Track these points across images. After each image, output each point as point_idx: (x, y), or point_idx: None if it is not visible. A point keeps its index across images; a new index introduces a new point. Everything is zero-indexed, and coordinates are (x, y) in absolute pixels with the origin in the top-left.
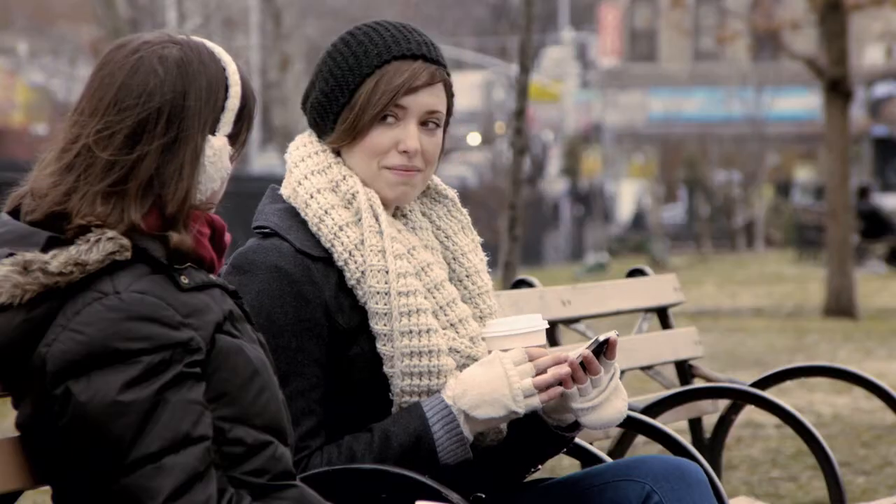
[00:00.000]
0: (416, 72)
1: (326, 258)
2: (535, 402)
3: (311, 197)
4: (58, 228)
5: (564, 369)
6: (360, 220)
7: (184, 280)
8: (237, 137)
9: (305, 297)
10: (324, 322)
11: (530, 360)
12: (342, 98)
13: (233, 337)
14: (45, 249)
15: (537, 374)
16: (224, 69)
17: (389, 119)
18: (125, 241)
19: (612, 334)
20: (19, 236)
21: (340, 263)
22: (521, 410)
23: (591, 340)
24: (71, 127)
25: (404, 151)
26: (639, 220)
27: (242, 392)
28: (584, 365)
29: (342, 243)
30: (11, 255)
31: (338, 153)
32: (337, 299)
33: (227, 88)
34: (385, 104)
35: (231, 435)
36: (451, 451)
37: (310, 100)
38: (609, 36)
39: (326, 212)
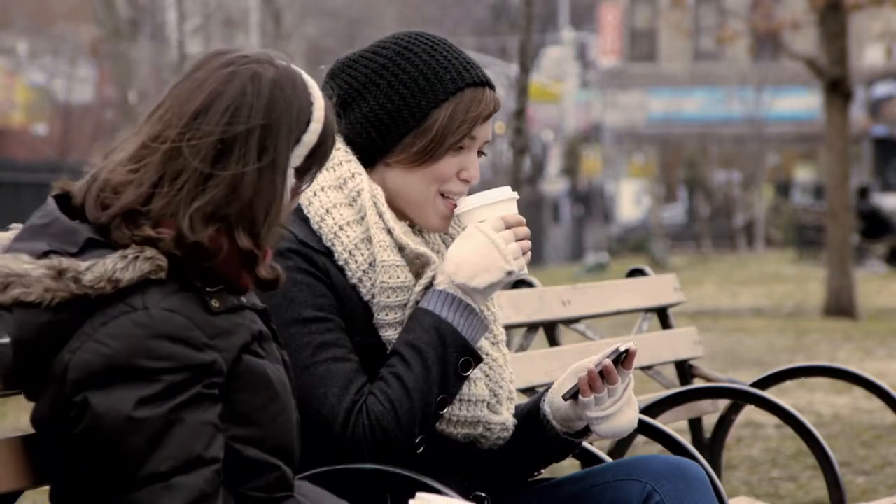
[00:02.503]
0: (487, 102)
1: (327, 253)
2: (523, 263)
3: (314, 195)
4: (129, 224)
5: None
6: (363, 217)
7: (215, 304)
8: (306, 172)
9: (314, 275)
10: (334, 300)
11: (507, 228)
12: (412, 121)
13: (259, 357)
14: (81, 251)
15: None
16: (312, 103)
17: (459, 147)
18: (162, 262)
19: (631, 345)
20: (60, 231)
21: (341, 262)
22: (517, 270)
23: (612, 350)
24: (153, 125)
25: (465, 180)
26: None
27: (261, 414)
28: (603, 374)
29: (342, 243)
30: (48, 251)
31: (370, 163)
32: (343, 288)
33: (308, 123)
34: (465, 134)
35: (243, 455)
36: (468, 324)
37: (357, 112)
38: (609, 36)
39: (328, 210)
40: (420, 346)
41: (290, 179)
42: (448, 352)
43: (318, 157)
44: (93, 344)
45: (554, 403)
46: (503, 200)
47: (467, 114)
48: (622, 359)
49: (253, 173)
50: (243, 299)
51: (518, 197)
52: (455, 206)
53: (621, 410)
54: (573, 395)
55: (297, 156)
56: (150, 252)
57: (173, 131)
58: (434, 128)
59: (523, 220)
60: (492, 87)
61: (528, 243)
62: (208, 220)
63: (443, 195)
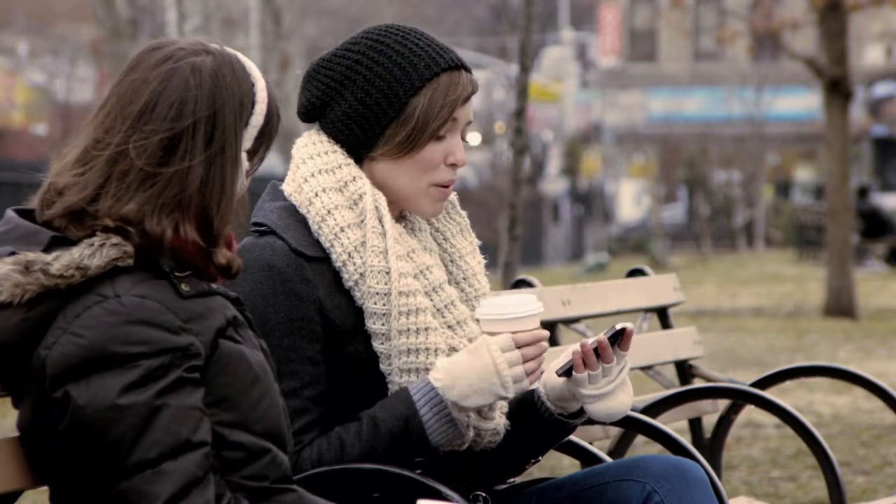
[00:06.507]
0: (465, 84)
1: (322, 258)
2: (525, 385)
3: (316, 195)
4: (76, 225)
5: (545, 347)
6: (363, 221)
7: (184, 287)
8: (255, 153)
9: (299, 295)
10: (318, 320)
11: (518, 347)
12: (391, 112)
13: (235, 342)
14: (47, 249)
15: (525, 361)
16: (253, 84)
17: (442, 132)
18: (129, 248)
19: (628, 325)
20: (23, 234)
21: (339, 264)
22: (511, 395)
23: (609, 329)
24: (96, 128)
25: (453, 164)
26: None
27: (243, 397)
28: (598, 352)
29: (342, 244)
30: (13, 253)
31: (357, 159)
32: (332, 298)
33: (253, 105)
34: (446, 118)
35: (231, 440)
36: (441, 431)
37: (337, 110)
38: (609, 36)
39: (329, 212)
40: (381, 428)
41: (244, 164)
42: (407, 448)
43: (266, 137)
44: (67, 336)
45: (548, 383)
46: (522, 317)
47: (446, 98)
48: (619, 339)
49: (199, 165)
50: (213, 285)
51: (542, 310)
52: (445, 192)
53: (615, 392)
54: (567, 370)
55: (248, 138)
56: (115, 239)
57: (118, 135)
58: (415, 115)
59: (540, 336)
60: (468, 70)
61: (536, 363)
62: (160, 213)
63: (437, 186)
